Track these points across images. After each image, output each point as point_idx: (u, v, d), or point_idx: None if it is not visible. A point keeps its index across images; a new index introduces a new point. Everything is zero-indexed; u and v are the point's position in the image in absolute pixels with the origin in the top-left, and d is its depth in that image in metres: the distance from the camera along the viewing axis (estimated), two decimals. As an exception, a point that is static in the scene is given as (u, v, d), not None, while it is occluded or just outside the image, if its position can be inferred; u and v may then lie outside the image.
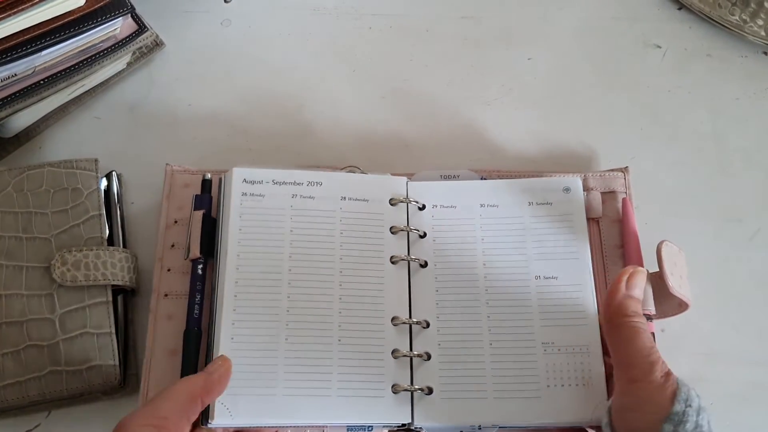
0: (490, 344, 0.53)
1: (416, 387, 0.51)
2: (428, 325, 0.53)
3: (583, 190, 0.58)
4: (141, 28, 0.62)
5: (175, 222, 0.58)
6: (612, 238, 0.58)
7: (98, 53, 0.60)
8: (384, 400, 0.51)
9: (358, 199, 0.56)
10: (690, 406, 0.42)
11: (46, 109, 0.61)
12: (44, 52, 0.56)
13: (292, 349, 0.51)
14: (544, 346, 0.53)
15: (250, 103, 0.66)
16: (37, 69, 0.57)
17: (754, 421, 0.55)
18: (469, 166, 0.61)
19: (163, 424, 0.42)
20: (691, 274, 0.55)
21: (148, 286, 0.56)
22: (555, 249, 0.56)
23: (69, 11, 0.56)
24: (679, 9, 0.72)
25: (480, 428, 0.51)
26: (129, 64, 0.65)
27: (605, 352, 0.52)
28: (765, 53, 0.70)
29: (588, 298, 0.54)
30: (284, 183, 0.56)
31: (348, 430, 0.51)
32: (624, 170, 0.61)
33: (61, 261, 0.53)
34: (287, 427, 0.51)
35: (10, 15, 0.52)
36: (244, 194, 0.55)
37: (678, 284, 0.52)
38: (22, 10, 0.52)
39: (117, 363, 0.52)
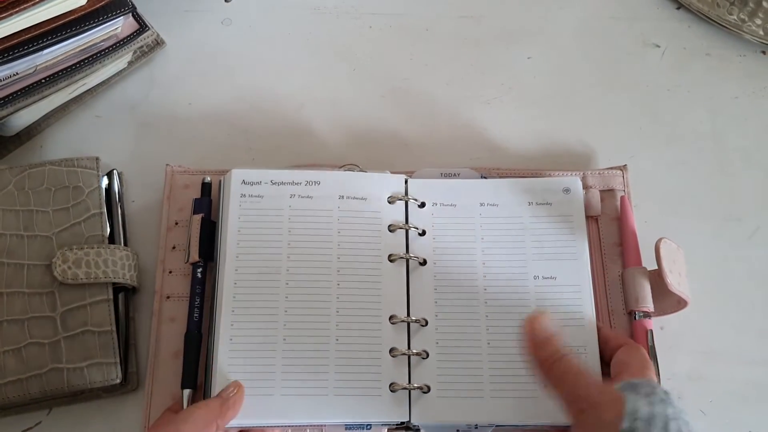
0: (488, 343, 0.53)
1: (414, 385, 0.51)
2: (426, 323, 0.54)
3: (582, 189, 0.58)
4: (142, 27, 0.62)
5: (176, 223, 0.58)
6: (611, 236, 0.59)
7: (99, 52, 0.60)
8: (382, 399, 0.51)
9: (356, 198, 0.56)
10: (637, 418, 0.40)
11: (47, 108, 0.61)
12: (45, 51, 0.56)
13: (290, 349, 0.51)
14: (542, 346, 0.53)
15: (250, 102, 0.66)
16: (38, 68, 0.57)
17: (752, 420, 0.56)
18: (469, 165, 0.61)
19: None
20: (690, 272, 0.55)
21: (149, 284, 0.57)
22: (554, 249, 0.56)
23: (70, 10, 0.56)
24: (678, 8, 0.72)
25: (477, 427, 0.52)
26: (130, 63, 0.65)
27: (602, 353, 0.52)
28: (763, 52, 0.70)
29: (586, 299, 0.54)
30: (282, 183, 0.56)
31: (346, 428, 0.52)
32: (623, 168, 0.61)
33: (62, 259, 0.53)
34: (286, 426, 0.51)
35: (11, 14, 0.52)
36: (243, 195, 0.55)
37: (677, 282, 0.53)
38: (24, 9, 0.53)
39: (118, 361, 0.52)
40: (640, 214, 0.60)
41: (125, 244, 0.58)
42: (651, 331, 0.54)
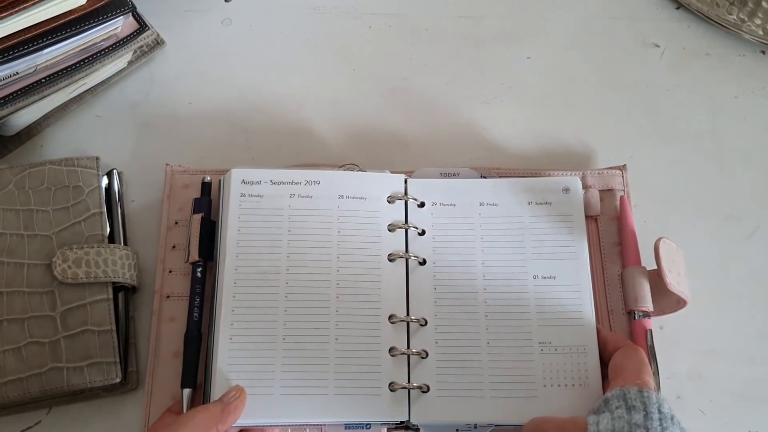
0: (488, 343, 0.53)
1: (413, 385, 0.51)
2: (426, 323, 0.54)
3: (582, 188, 0.58)
4: (142, 27, 0.62)
5: (176, 223, 0.58)
6: (610, 235, 0.59)
7: (99, 52, 0.60)
8: (381, 398, 0.51)
9: (356, 197, 0.56)
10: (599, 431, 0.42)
11: (48, 108, 0.61)
12: (45, 51, 0.56)
13: (290, 349, 0.52)
14: (541, 346, 0.53)
15: (250, 101, 0.66)
16: (38, 67, 0.57)
17: (752, 419, 0.56)
18: (469, 165, 0.61)
19: None
20: (690, 271, 0.55)
21: (149, 283, 0.57)
22: (553, 249, 0.56)
23: (70, 10, 0.56)
24: (678, 8, 0.72)
25: (476, 427, 0.52)
26: (130, 62, 0.65)
27: (601, 355, 0.52)
28: (763, 52, 0.70)
29: (585, 298, 0.54)
30: (282, 183, 0.56)
31: (346, 428, 0.52)
32: (622, 168, 0.61)
33: (62, 258, 0.53)
34: (286, 425, 0.51)
35: (11, 14, 0.52)
36: (243, 195, 0.55)
37: (676, 281, 0.53)
38: (24, 8, 0.53)
39: (117, 360, 0.52)
40: (640, 213, 0.60)
41: (125, 244, 0.58)
42: (650, 330, 0.54)
